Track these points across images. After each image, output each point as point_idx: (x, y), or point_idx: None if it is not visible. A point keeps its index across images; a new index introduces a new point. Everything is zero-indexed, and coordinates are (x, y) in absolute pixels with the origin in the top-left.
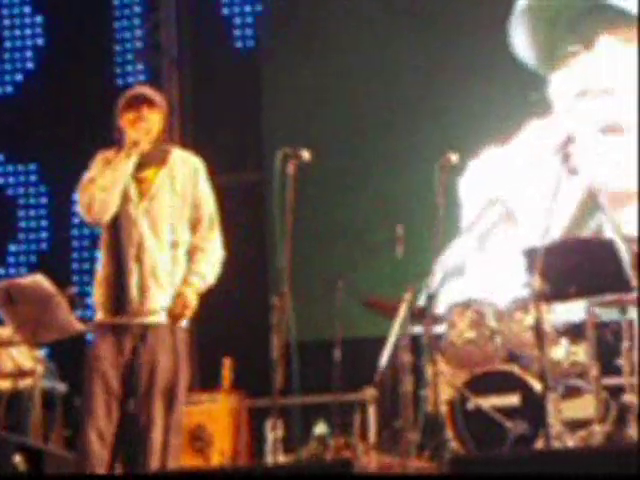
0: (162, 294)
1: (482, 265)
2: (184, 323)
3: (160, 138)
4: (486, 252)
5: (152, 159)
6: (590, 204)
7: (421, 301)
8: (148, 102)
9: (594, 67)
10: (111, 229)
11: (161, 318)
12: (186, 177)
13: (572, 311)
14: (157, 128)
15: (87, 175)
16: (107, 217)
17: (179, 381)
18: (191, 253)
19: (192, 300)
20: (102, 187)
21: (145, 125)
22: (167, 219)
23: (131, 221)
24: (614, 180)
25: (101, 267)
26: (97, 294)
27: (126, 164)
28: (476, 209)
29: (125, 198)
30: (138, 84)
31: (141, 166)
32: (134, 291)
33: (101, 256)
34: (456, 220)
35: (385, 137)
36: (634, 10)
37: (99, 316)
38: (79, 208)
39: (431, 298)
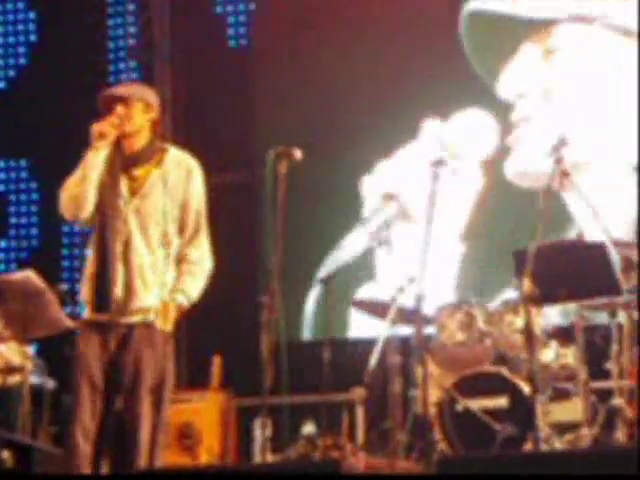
0: (148, 294)
1: (390, 263)
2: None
3: (154, 131)
4: (392, 251)
5: (146, 157)
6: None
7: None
8: (120, 100)
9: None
10: (100, 225)
11: (146, 317)
12: (179, 178)
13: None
14: (141, 119)
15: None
16: (84, 213)
17: (165, 379)
18: (179, 264)
19: (172, 315)
20: (74, 183)
21: (114, 118)
22: (157, 219)
23: (120, 218)
24: None
25: (89, 264)
26: (84, 291)
27: (95, 157)
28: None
29: (116, 194)
30: (130, 81)
31: (134, 163)
32: (120, 290)
33: (90, 253)
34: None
35: (379, 135)
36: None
37: (85, 313)
38: (59, 207)
39: (420, 299)
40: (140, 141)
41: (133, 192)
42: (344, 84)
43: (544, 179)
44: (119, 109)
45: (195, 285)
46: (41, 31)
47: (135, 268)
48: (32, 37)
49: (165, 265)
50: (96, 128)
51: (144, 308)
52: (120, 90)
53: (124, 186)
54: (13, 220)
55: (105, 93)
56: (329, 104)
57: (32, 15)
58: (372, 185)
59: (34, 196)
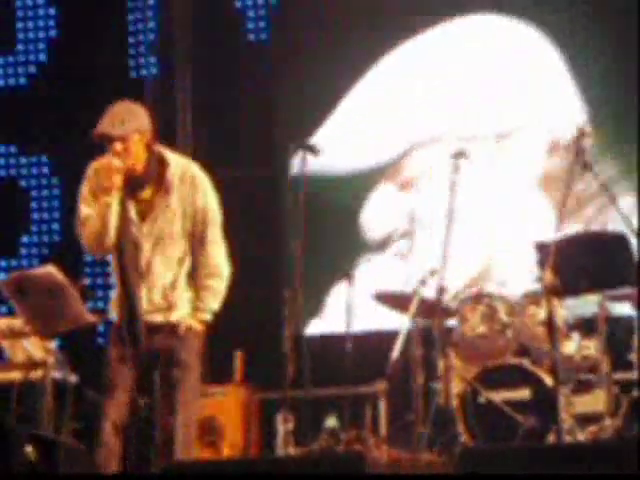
0: (174, 311)
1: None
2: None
3: (150, 150)
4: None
5: (148, 177)
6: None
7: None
8: (114, 138)
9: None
10: (116, 252)
11: (173, 317)
12: (185, 193)
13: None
14: (139, 149)
15: (81, 209)
16: (107, 251)
17: (191, 377)
18: (197, 280)
19: (197, 328)
20: (95, 233)
21: (117, 162)
22: (172, 238)
23: (135, 244)
24: None
25: (115, 286)
26: (113, 308)
27: (109, 211)
28: None
29: (126, 219)
30: (117, 104)
31: (138, 186)
32: (147, 315)
33: (114, 274)
34: None
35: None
36: None
37: (118, 320)
38: (81, 243)
39: (442, 291)
40: (140, 165)
41: (143, 216)
42: (364, 77)
43: None
44: (117, 146)
45: (215, 298)
46: (61, 27)
47: (158, 291)
48: (52, 33)
49: (185, 281)
50: (105, 184)
51: (170, 323)
52: (116, 129)
53: (133, 211)
54: (35, 216)
55: (99, 132)
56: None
57: (52, 11)
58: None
59: (56, 191)
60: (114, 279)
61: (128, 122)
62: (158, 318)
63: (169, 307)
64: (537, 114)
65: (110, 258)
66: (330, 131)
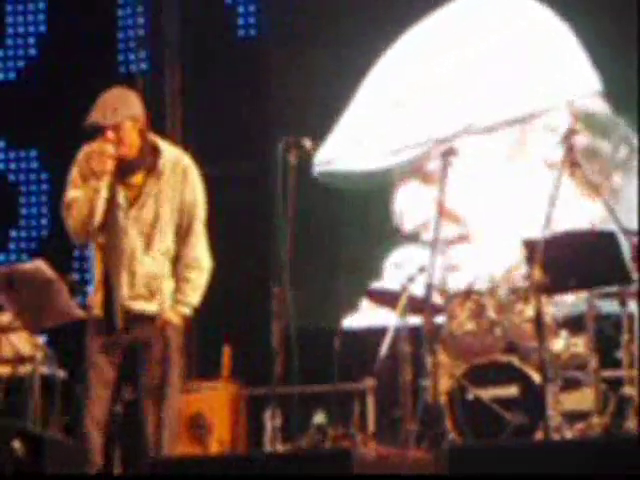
0: (154, 300)
1: None
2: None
3: (143, 137)
4: None
5: (140, 163)
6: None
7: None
8: (106, 127)
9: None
10: (100, 236)
11: (154, 307)
12: (175, 182)
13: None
14: (132, 136)
15: (69, 191)
16: (88, 237)
17: (172, 371)
18: (178, 273)
19: (177, 322)
20: (82, 217)
21: (109, 148)
22: (158, 226)
23: (121, 230)
24: None
25: (95, 272)
26: (92, 300)
27: (98, 197)
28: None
29: (113, 204)
30: (111, 90)
31: (129, 171)
32: (126, 299)
33: (94, 263)
34: None
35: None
36: None
37: (95, 311)
38: (66, 229)
39: (430, 288)
40: (133, 151)
41: (131, 202)
42: (355, 72)
43: None
44: (110, 135)
45: (195, 292)
46: (50, 21)
47: (140, 277)
48: (42, 28)
49: (170, 268)
50: (96, 168)
51: (151, 313)
52: (108, 118)
53: (122, 197)
54: (24, 210)
55: (90, 121)
56: (339, 93)
57: (42, 5)
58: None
59: (44, 186)
60: (93, 269)
61: (120, 110)
62: (138, 306)
63: (151, 294)
64: (558, 92)
65: (92, 249)
66: (344, 136)
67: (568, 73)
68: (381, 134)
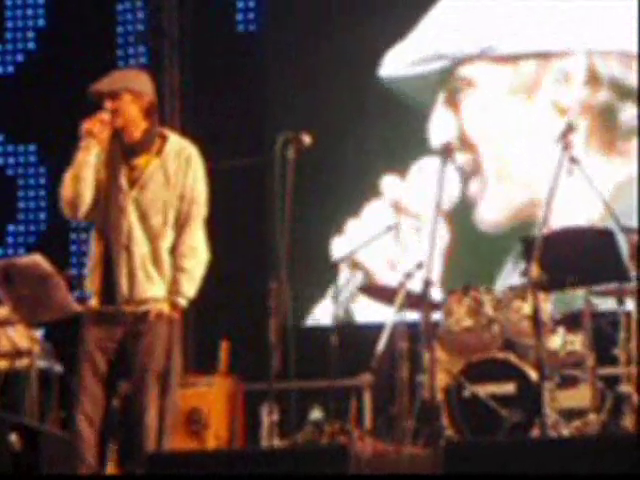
0: (151, 284)
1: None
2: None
3: (149, 119)
4: None
5: (145, 145)
6: None
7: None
8: (107, 94)
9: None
10: (100, 216)
11: (151, 305)
12: (179, 168)
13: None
14: (132, 111)
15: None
16: (81, 212)
17: (172, 365)
18: (175, 263)
19: (171, 314)
20: (68, 184)
21: (103, 115)
22: (157, 209)
23: (120, 210)
24: None
25: (92, 254)
26: (89, 281)
27: (86, 156)
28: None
29: (115, 186)
30: (125, 68)
31: (134, 153)
32: (124, 281)
33: (92, 242)
34: None
35: (386, 121)
36: None
37: (91, 301)
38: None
39: (428, 284)
40: (137, 130)
41: (132, 183)
42: (354, 68)
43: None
44: (107, 104)
45: (191, 283)
46: (49, 16)
47: (137, 259)
48: (40, 22)
49: (167, 255)
50: (85, 127)
51: (148, 298)
52: (105, 85)
53: (123, 177)
54: (21, 204)
55: (92, 89)
56: (338, 89)
57: (41, 0)
58: (341, 248)
59: (42, 181)
60: (93, 244)
61: (121, 81)
62: (135, 290)
63: (147, 278)
64: (581, 37)
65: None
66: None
67: (597, 25)
68: (412, 43)
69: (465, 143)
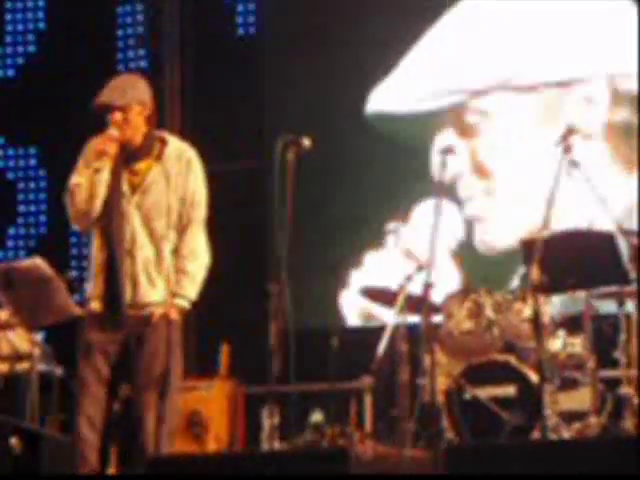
0: (154, 289)
1: None
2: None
3: (149, 124)
4: None
5: (146, 150)
6: None
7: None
8: (114, 108)
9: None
10: (103, 222)
11: (153, 308)
12: (179, 172)
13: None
14: (138, 121)
15: (73, 177)
16: (90, 225)
17: (172, 369)
18: (176, 265)
19: (175, 317)
20: (83, 201)
21: (113, 131)
22: (159, 213)
23: (123, 215)
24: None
25: (93, 260)
26: (91, 285)
27: (99, 177)
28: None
29: (117, 192)
30: (124, 74)
31: (135, 158)
32: (127, 286)
33: (93, 247)
34: None
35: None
36: None
37: (93, 305)
38: (67, 214)
39: (428, 287)
40: (138, 137)
41: (134, 188)
42: (354, 72)
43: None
44: (117, 116)
45: (193, 285)
46: (50, 19)
47: (140, 264)
48: (41, 25)
49: (170, 259)
50: (98, 148)
51: (151, 302)
52: (116, 97)
53: (125, 182)
54: (22, 208)
55: (100, 101)
56: (338, 91)
57: (41, 3)
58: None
59: (43, 184)
60: (95, 249)
61: (130, 92)
62: (138, 294)
63: (150, 282)
64: (601, 62)
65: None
66: (396, 74)
67: (616, 48)
68: (420, 77)
69: (480, 170)
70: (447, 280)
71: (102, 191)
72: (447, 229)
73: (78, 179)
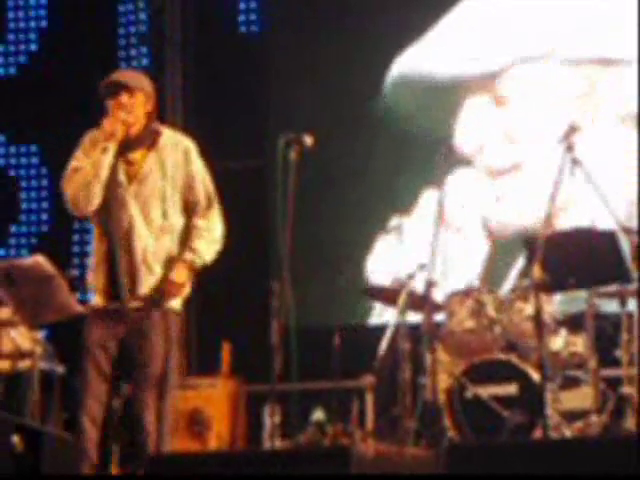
0: (153, 279)
1: None
2: (177, 305)
3: (149, 119)
4: None
5: (141, 141)
6: None
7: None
8: (126, 89)
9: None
10: (101, 213)
11: (154, 300)
12: (177, 162)
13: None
14: (140, 111)
15: (72, 163)
16: (93, 208)
17: (171, 365)
18: (189, 232)
19: (182, 276)
20: (84, 183)
21: (122, 114)
22: (157, 203)
23: (121, 205)
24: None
25: (93, 251)
26: (91, 279)
27: (105, 157)
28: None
29: (114, 181)
30: (130, 69)
31: (130, 148)
32: (125, 277)
33: (93, 239)
34: None
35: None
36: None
37: (94, 300)
38: (65, 199)
39: (430, 285)
40: (137, 127)
41: (131, 177)
42: (356, 69)
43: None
44: (124, 98)
45: (207, 247)
46: (52, 17)
47: (139, 253)
48: (43, 23)
49: (169, 249)
50: (107, 128)
51: (150, 292)
52: (127, 78)
53: (122, 172)
54: (24, 205)
55: (111, 79)
56: (341, 89)
57: (43, 1)
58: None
59: (44, 182)
60: (94, 241)
61: (139, 80)
62: (138, 285)
63: (149, 272)
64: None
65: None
66: (435, 37)
67: None
68: (468, 39)
69: (510, 138)
70: (477, 250)
71: (105, 174)
72: (480, 199)
73: (78, 163)
